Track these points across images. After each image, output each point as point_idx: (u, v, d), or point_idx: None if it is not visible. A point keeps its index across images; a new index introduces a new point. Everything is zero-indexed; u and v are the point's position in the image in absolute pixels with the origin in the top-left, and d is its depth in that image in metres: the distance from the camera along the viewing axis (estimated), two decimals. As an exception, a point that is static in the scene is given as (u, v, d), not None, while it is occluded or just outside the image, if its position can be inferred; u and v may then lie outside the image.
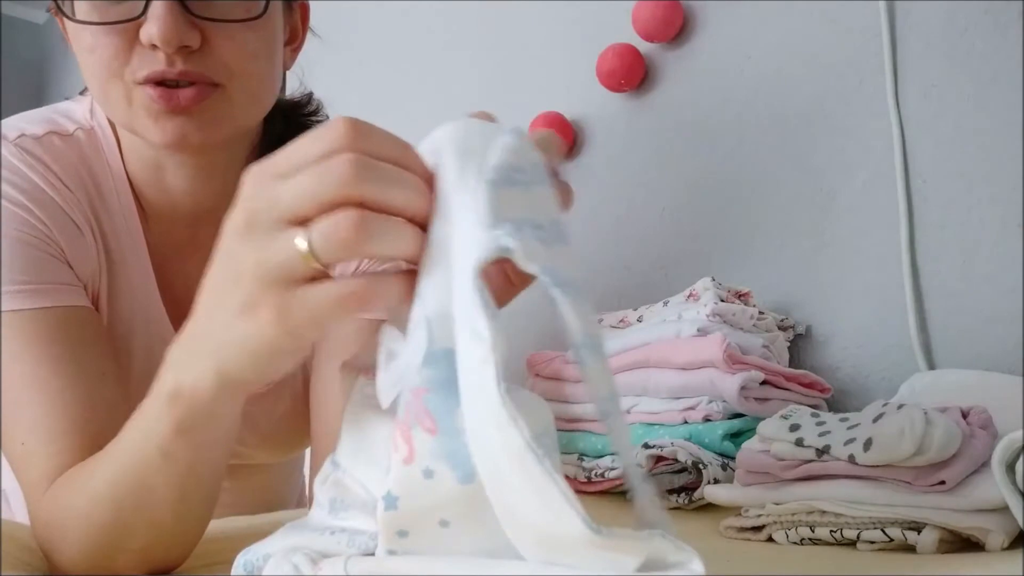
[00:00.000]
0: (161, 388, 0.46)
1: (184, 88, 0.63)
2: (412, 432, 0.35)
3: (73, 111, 0.74)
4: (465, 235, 0.35)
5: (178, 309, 0.75)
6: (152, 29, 0.61)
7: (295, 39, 0.76)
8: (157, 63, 0.62)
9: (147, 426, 0.48)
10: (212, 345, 0.42)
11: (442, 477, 0.35)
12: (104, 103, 0.66)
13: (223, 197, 0.76)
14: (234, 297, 0.39)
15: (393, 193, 0.37)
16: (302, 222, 0.37)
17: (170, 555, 0.56)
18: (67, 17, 0.63)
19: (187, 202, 0.74)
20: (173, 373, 0.46)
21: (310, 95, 0.86)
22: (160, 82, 0.63)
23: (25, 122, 0.71)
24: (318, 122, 0.84)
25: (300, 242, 0.37)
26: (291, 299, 0.38)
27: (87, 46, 0.63)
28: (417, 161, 0.39)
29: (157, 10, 0.61)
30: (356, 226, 0.36)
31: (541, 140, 0.40)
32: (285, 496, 1.02)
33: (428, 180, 0.38)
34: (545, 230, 0.36)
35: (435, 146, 0.39)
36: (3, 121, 0.71)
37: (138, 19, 0.62)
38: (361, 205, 0.37)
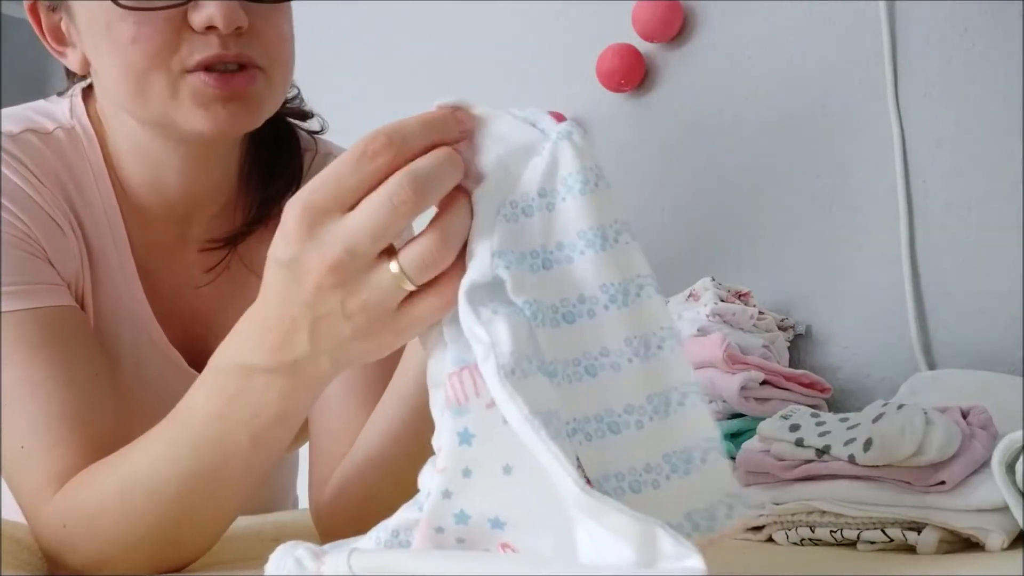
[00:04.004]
0: (267, 387, 0.48)
1: (238, 73, 0.63)
2: None
3: (52, 110, 0.73)
4: (476, 252, 0.40)
5: (164, 307, 0.75)
6: (211, 10, 0.60)
7: None
8: (211, 47, 0.62)
9: (238, 420, 0.49)
10: (329, 357, 0.45)
11: None
12: (138, 97, 0.64)
13: (220, 188, 0.76)
14: (344, 330, 0.43)
15: (445, 183, 0.41)
16: (386, 253, 0.41)
17: (211, 539, 0.57)
18: (115, 3, 0.61)
19: (181, 199, 0.73)
20: (282, 377, 0.47)
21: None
22: (210, 69, 0.62)
23: (1, 119, 0.69)
24: (300, 104, 0.84)
25: (397, 275, 0.41)
26: (402, 320, 0.42)
27: (128, 37, 0.61)
28: (447, 128, 0.42)
29: None
30: (441, 247, 0.40)
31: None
32: (283, 497, 1.01)
33: (464, 133, 0.42)
34: (544, 255, 0.41)
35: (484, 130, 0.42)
36: None
37: (186, 4, 0.61)
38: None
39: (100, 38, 0.63)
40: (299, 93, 0.84)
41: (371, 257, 0.41)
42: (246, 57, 0.63)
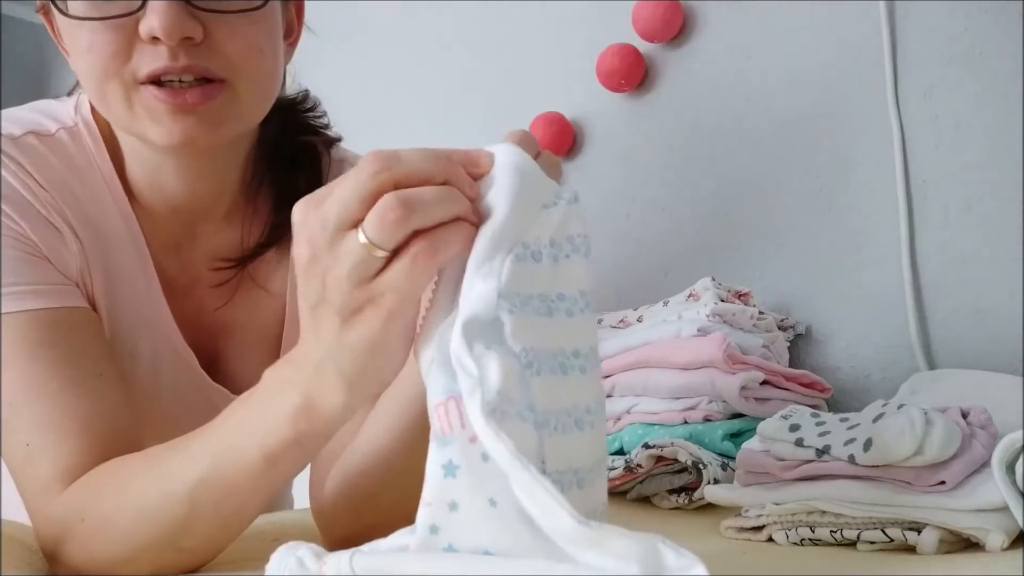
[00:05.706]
0: (281, 404, 0.49)
1: (191, 88, 0.62)
2: None
3: (57, 111, 0.72)
4: (476, 285, 0.41)
5: (182, 304, 0.74)
6: (153, 20, 0.59)
7: (291, 34, 0.74)
8: (159, 59, 0.60)
9: (254, 432, 0.51)
10: (332, 362, 0.46)
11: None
12: (102, 105, 0.64)
13: (221, 195, 0.75)
14: (331, 313, 0.44)
15: (421, 168, 0.42)
16: (354, 225, 0.42)
17: (211, 553, 0.57)
18: (62, 13, 0.61)
19: (185, 201, 0.73)
20: (298, 392, 0.48)
21: (307, 92, 0.84)
22: (162, 82, 0.61)
23: (2, 121, 0.68)
24: (317, 119, 0.83)
25: (360, 238, 0.42)
26: (380, 288, 0.43)
27: (84, 46, 0.61)
28: (450, 158, 0.44)
29: (157, 2, 0.59)
30: (398, 204, 0.41)
31: (548, 162, 0.45)
32: (281, 498, 1.01)
33: (477, 171, 0.44)
34: (548, 302, 0.42)
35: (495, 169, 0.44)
36: None
37: (136, 13, 0.60)
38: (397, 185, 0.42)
39: (70, 46, 0.64)
40: (316, 105, 0.82)
41: (339, 225, 0.42)
42: (200, 69, 0.61)
